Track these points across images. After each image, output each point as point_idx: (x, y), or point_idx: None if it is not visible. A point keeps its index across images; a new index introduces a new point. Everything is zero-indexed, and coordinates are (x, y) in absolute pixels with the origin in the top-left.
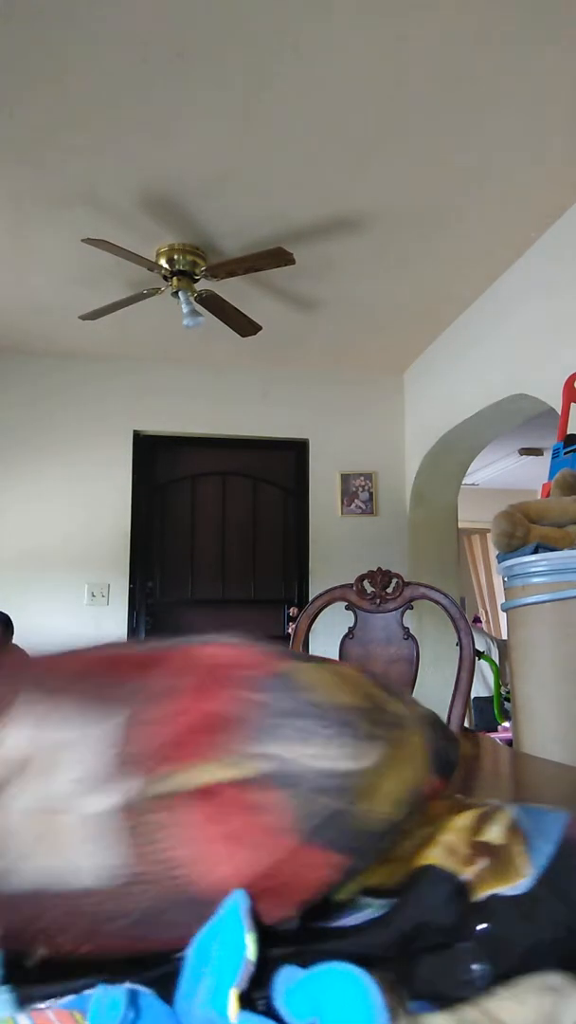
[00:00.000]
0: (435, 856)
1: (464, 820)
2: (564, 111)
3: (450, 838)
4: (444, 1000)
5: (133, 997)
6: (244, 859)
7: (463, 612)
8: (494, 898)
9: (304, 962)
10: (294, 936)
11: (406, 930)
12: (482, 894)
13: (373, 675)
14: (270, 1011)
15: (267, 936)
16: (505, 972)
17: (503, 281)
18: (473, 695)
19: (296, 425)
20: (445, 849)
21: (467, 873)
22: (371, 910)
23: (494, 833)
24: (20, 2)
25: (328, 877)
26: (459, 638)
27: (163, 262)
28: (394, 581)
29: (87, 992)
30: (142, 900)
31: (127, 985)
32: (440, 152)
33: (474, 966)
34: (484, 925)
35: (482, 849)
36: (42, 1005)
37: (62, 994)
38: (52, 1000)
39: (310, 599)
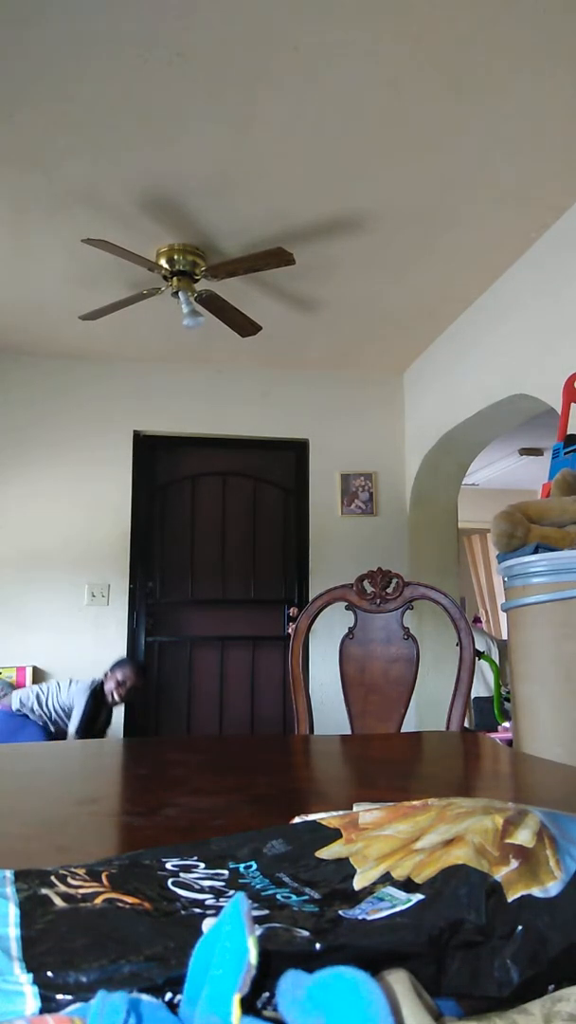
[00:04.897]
0: (465, 856)
1: (493, 822)
2: (564, 111)
3: (479, 839)
4: (472, 999)
5: (134, 1004)
6: None
7: (463, 612)
8: (526, 899)
9: (330, 957)
10: (322, 927)
11: (439, 927)
12: (514, 895)
13: None
14: (274, 1016)
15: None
16: (536, 973)
17: (503, 281)
18: (473, 695)
19: (296, 425)
20: (475, 850)
21: (499, 874)
22: (396, 903)
23: (524, 836)
24: (19, 3)
25: None
26: (459, 638)
27: (163, 262)
28: (394, 581)
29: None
30: None
31: (128, 992)
32: (440, 152)
33: (507, 965)
34: (519, 927)
35: (513, 851)
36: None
37: (75, 991)
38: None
39: (310, 599)
